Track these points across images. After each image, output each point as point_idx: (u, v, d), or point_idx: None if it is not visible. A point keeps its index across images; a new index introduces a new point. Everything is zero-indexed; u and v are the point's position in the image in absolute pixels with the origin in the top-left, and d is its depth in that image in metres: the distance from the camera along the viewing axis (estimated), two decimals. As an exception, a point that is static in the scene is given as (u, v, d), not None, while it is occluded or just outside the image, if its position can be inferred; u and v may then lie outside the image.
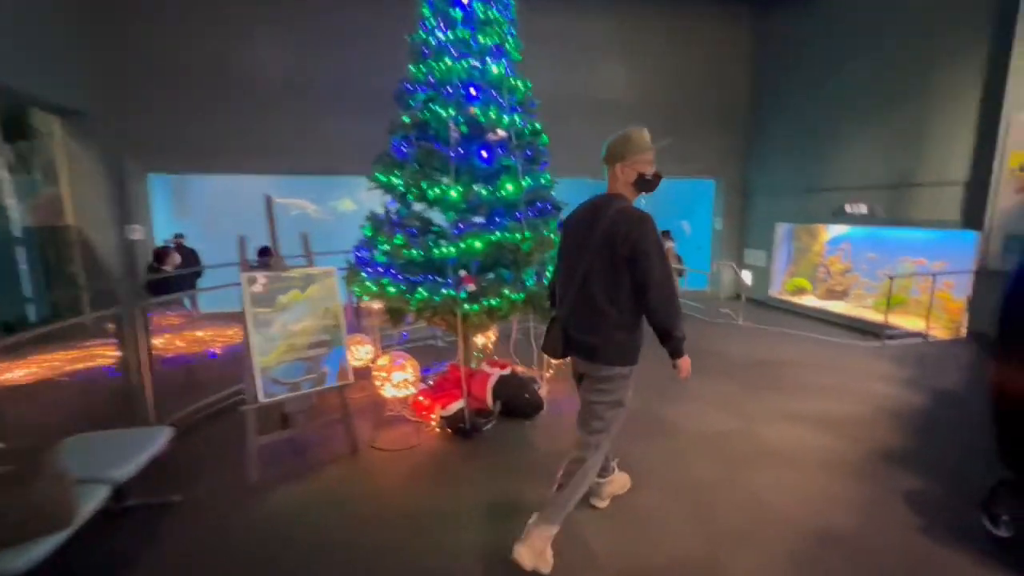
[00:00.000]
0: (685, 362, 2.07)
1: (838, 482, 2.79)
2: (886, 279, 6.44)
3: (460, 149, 3.21)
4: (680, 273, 7.77)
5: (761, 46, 9.05)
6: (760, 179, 9.23)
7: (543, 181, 3.55)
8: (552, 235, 3.34)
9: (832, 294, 8.24)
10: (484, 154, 3.23)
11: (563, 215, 3.25)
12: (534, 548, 2.03)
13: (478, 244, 3.09)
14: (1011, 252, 5.34)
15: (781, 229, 8.93)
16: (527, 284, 3.30)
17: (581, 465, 2.09)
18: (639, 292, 1.96)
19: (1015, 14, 5.15)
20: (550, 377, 4.21)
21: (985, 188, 5.54)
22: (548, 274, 3.46)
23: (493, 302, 3.08)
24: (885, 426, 3.48)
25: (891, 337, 5.96)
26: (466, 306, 3.06)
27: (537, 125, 3.60)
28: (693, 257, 10.91)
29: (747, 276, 9.49)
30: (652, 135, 2.05)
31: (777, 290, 9.08)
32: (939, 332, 6.22)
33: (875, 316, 7.00)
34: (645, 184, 2.07)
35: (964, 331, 5.99)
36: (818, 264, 8.61)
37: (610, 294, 1.99)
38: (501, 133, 3.20)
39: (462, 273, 3.06)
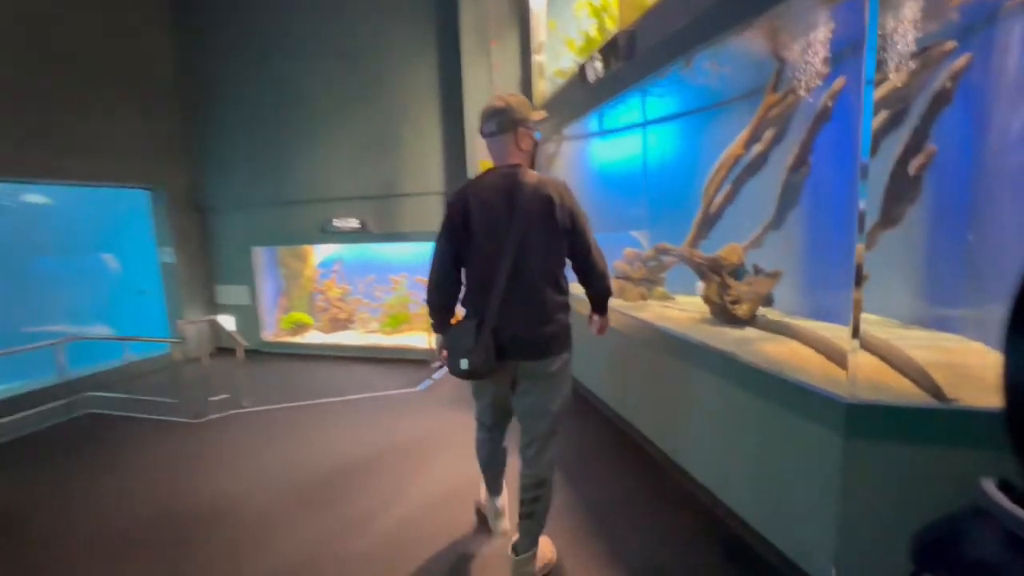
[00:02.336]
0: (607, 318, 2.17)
1: None
2: (388, 297, 5.89)
3: None
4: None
5: (184, 13, 6.53)
6: (221, 190, 6.81)
7: None
8: None
9: (337, 324, 7.06)
10: None
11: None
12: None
13: None
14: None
15: (260, 255, 6.93)
16: None
17: (544, 488, 1.91)
18: (581, 260, 1.89)
19: (458, 32, 5.22)
20: None
21: (464, 197, 5.57)
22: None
23: None
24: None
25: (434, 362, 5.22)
26: None
27: None
28: (132, 311, 7.20)
29: (230, 323, 6.94)
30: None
31: (273, 332, 7.06)
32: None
33: (388, 341, 6.31)
34: (535, 152, 1.94)
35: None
36: (313, 291, 7.22)
37: (552, 273, 1.82)
38: None
39: None
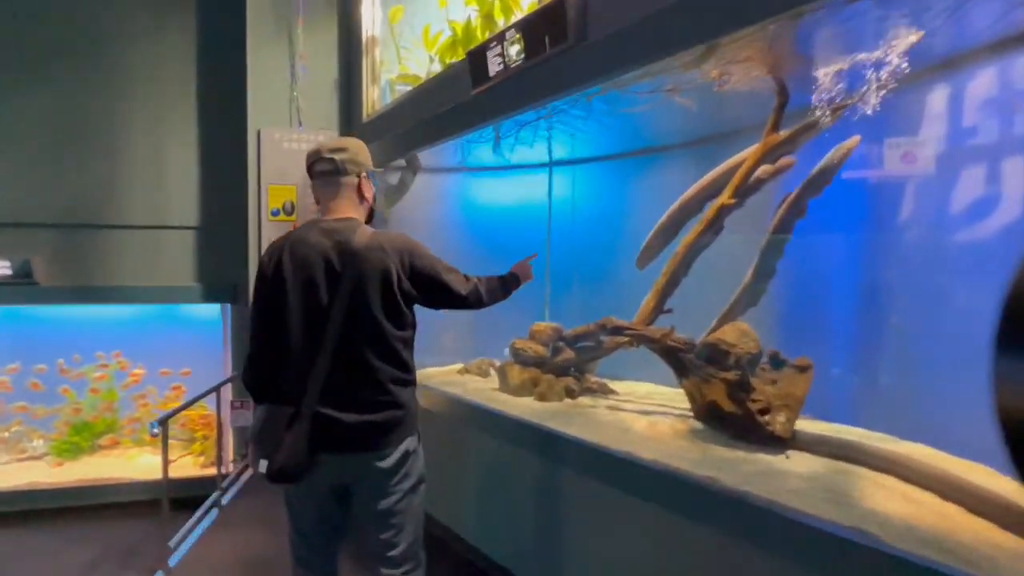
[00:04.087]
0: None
1: None
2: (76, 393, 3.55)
3: None
4: None
5: None
6: None
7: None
8: None
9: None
10: None
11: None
12: None
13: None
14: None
15: None
16: None
17: None
18: (453, 307, 1.68)
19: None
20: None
21: (240, 237, 3.64)
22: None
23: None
24: None
25: (185, 502, 2.87)
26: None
27: None
28: None
29: None
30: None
31: None
32: (194, 465, 3.75)
33: (67, 475, 3.54)
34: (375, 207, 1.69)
35: (232, 457, 3.86)
36: None
37: (391, 348, 1.49)
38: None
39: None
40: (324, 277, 1.45)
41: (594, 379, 2.46)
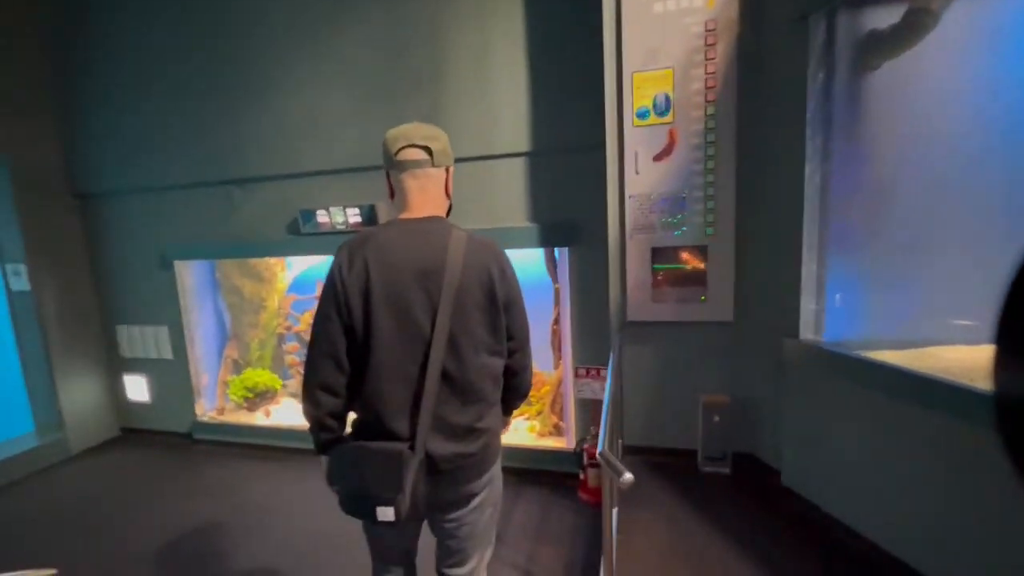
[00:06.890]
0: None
1: None
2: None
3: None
4: None
5: None
6: (118, 164, 3.87)
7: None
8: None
9: (325, 388, 4.17)
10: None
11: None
12: None
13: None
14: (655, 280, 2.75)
15: (187, 273, 4.00)
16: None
17: None
18: (516, 351, 1.41)
19: None
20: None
21: (581, 158, 2.74)
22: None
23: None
24: None
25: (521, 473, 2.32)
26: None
27: None
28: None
29: (139, 388, 4.10)
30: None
31: (214, 406, 4.13)
32: (529, 431, 3.20)
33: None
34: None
35: (576, 436, 3.19)
36: (284, 332, 4.29)
37: (492, 370, 1.34)
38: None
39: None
40: (418, 287, 1.24)
41: None
